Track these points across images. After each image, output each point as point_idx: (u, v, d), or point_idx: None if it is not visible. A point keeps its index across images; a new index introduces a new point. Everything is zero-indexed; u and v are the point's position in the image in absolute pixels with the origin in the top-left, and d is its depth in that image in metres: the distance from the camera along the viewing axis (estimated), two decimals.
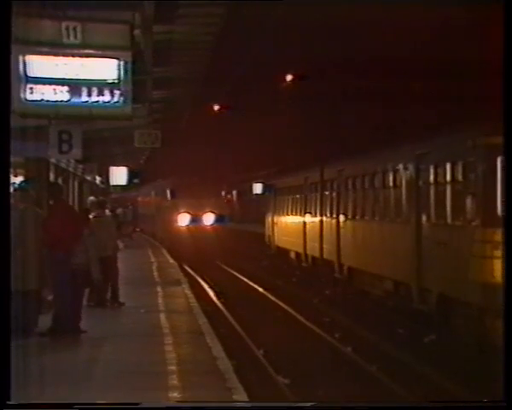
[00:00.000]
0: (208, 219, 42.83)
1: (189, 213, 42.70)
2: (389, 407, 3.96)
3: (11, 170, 21.66)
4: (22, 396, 3.74)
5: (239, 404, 4.36)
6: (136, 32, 13.82)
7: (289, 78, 22.05)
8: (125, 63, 12.50)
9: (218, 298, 25.64)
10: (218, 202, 44.10)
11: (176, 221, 42.85)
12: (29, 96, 12.07)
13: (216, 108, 28.87)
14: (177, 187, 43.90)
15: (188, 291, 21.73)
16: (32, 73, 12.03)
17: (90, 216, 17.60)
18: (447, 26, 15.54)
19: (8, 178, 3.93)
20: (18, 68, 11.90)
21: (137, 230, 55.37)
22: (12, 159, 18.99)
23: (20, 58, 11.90)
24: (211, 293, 27.20)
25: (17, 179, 21.51)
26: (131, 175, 32.63)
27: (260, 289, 28.40)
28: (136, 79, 13.02)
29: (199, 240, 41.27)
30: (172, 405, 4.12)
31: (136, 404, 3.85)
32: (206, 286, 29.24)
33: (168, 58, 20.18)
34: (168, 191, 44.47)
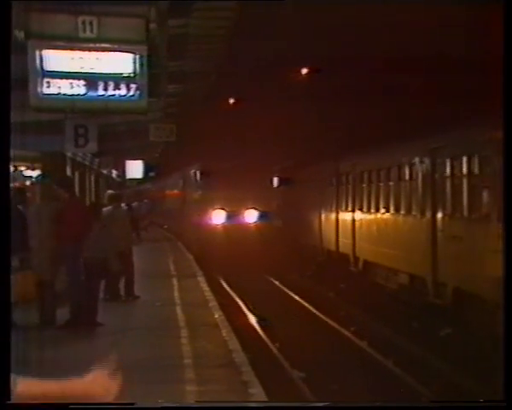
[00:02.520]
0: (250, 216, 35.42)
1: (224, 209, 35.20)
2: (389, 406, 3.89)
3: (28, 164, 21.89)
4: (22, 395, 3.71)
5: (239, 404, 4.31)
6: (152, 25, 13.86)
7: (304, 71, 22.03)
8: (141, 57, 12.55)
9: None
10: (261, 194, 35.56)
11: (208, 218, 35.17)
12: (46, 91, 12.13)
13: (231, 101, 28.86)
14: (208, 175, 35.82)
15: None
16: (48, 67, 12.08)
17: (105, 209, 17.68)
18: (457, 23, 15.54)
19: (8, 177, 3.90)
20: (35, 63, 11.97)
21: (165, 227, 50.09)
22: (29, 153, 19.19)
23: (37, 53, 11.96)
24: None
25: (34, 173, 21.69)
26: (147, 168, 32.75)
27: (276, 283, 28.39)
28: (151, 72, 13.07)
29: (238, 243, 33.36)
30: (169, 405, 4.09)
31: (132, 404, 3.83)
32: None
33: (183, 52, 20.20)
34: (197, 180, 36.72)
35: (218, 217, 35.02)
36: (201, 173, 36.19)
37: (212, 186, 35.08)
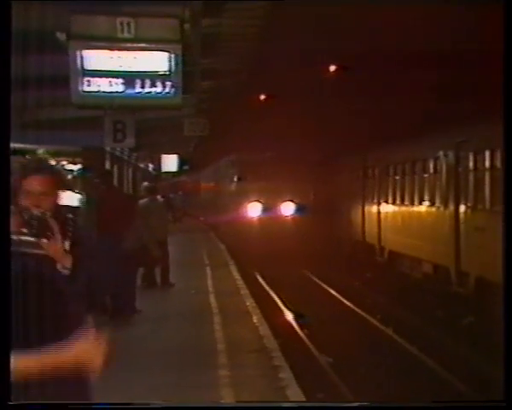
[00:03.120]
0: (286, 208, 33.59)
1: (259, 201, 33.30)
2: (389, 406, 3.84)
3: (70, 159, 22.11)
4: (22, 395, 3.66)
5: (239, 404, 4.28)
6: (186, 25, 13.91)
7: (332, 68, 21.97)
8: (176, 56, 12.62)
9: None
10: (298, 187, 33.46)
11: (243, 211, 33.37)
12: (86, 89, 12.23)
13: (262, 97, 28.86)
14: (244, 167, 34.10)
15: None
16: (88, 66, 12.19)
17: (141, 201, 17.81)
18: (480, 20, 15.45)
19: (9, 177, 3.78)
20: (76, 62, 12.07)
21: (201, 219, 48.49)
22: (70, 148, 19.36)
23: (78, 53, 12.07)
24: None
25: (75, 167, 21.88)
26: (181, 162, 32.85)
27: (310, 275, 28.38)
28: (185, 70, 13.14)
29: (275, 237, 31.30)
30: (165, 405, 4.06)
31: (128, 404, 3.79)
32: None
33: (215, 50, 20.24)
34: (232, 173, 34.97)
35: (253, 210, 33.47)
36: (236, 166, 34.88)
37: (248, 179, 33.68)
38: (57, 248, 4.32)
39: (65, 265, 4.36)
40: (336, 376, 13.44)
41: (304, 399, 9.08)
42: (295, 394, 9.20)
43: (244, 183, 33.72)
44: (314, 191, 34.85)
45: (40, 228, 4.27)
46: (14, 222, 4.27)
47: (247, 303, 16.32)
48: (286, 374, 10.11)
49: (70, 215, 4.45)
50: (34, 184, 4.42)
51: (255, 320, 14.20)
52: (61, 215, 4.42)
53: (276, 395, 9.15)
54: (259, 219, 33.23)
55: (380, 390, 12.32)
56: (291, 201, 33.30)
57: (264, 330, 13.27)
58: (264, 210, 32.97)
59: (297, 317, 18.75)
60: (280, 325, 16.78)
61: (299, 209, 33.30)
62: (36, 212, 4.32)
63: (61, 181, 4.55)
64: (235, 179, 34.73)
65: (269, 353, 11.38)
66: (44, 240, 4.27)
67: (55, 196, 4.48)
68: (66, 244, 4.38)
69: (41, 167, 4.54)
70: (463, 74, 19.00)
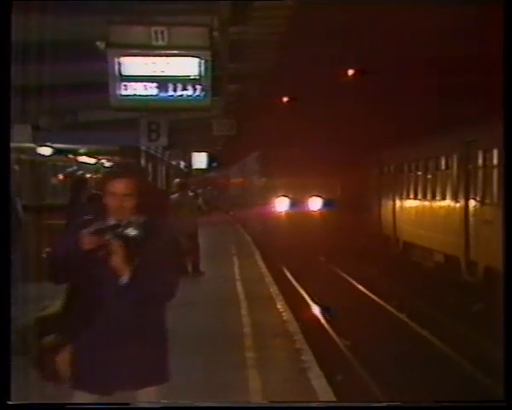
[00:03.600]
0: (314, 203, 31.88)
1: (287, 196, 31.81)
2: (389, 407, 3.71)
3: (109, 157, 22.21)
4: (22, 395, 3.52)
5: (238, 404, 4.24)
6: (215, 33, 13.93)
7: (351, 72, 21.91)
8: (205, 61, 12.66)
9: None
10: (325, 183, 31.78)
11: (271, 206, 31.73)
12: (123, 92, 12.31)
13: (284, 99, 28.83)
14: (272, 162, 32.34)
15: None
16: (125, 72, 12.26)
17: (174, 196, 17.82)
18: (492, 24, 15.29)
19: (9, 176, 3.72)
20: (114, 69, 12.14)
21: (230, 213, 46.91)
22: (109, 147, 19.47)
23: (116, 60, 12.14)
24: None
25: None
26: (211, 159, 32.86)
27: (333, 267, 28.31)
28: (214, 74, 13.16)
29: (302, 232, 29.75)
30: (165, 405, 4.01)
31: (127, 404, 3.73)
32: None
33: (242, 56, 20.25)
34: (259, 168, 33.52)
35: (281, 204, 31.94)
36: (264, 162, 33.45)
37: (275, 174, 32.07)
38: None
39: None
40: (354, 358, 13.41)
41: (324, 380, 9.05)
42: (316, 375, 9.18)
43: (272, 178, 32.26)
44: (341, 186, 33.74)
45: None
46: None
47: (271, 290, 16.33)
48: (308, 356, 10.09)
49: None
50: (119, 186, 4.52)
51: (279, 306, 14.20)
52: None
53: (298, 376, 9.15)
54: (286, 213, 31.86)
55: (395, 370, 12.30)
56: (318, 196, 31.89)
57: (287, 315, 13.26)
58: (292, 205, 31.61)
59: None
60: (301, 311, 16.75)
61: (326, 204, 31.74)
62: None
63: (143, 184, 4.71)
64: (263, 174, 33.45)
65: (291, 336, 11.38)
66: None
67: (137, 198, 4.58)
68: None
69: (126, 171, 4.67)
70: (473, 77, 18.88)
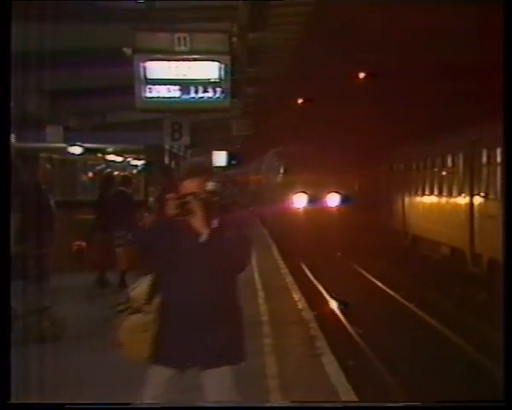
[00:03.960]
0: (332, 199, 30.26)
1: (305, 192, 30.24)
2: (389, 407, 3.61)
3: (135, 155, 22.29)
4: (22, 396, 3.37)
5: (238, 404, 4.25)
6: (234, 39, 13.96)
7: (362, 75, 21.85)
8: (225, 65, 12.69)
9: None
10: (343, 180, 30.45)
11: (289, 202, 30.25)
12: (148, 95, 12.38)
13: (300, 101, 28.78)
14: (290, 159, 31.11)
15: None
16: (150, 75, 12.33)
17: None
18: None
19: (9, 175, 3.66)
20: (139, 73, 12.21)
21: (250, 208, 48.22)
22: (135, 146, 19.56)
23: (141, 64, 12.21)
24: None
25: (139, 162, 22.06)
26: (230, 157, 32.85)
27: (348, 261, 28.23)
28: (233, 77, 13.19)
29: (320, 228, 28.27)
30: (166, 405, 3.98)
31: (128, 404, 3.64)
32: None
33: (259, 60, 20.26)
34: (279, 164, 31.88)
35: (299, 200, 30.34)
36: (282, 158, 32.11)
37: (293, 170, 30.76)
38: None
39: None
40: (365, 345, 13.40)
41: (336, 365, 9.05)
42: (329, 360, 9.19)
43: (290, 174, 30.86)
44: (358, 183, 32.75)
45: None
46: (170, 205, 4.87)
47: (287, 280, 16.33)
48: (321, 343, 10.10)
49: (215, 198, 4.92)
50: (193, 184, 4.93)
51: (294, 295, 14.21)
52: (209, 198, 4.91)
53: (312, 361, 9.16)
54: (304, 209, 30.24)
55: (404, 356, 12.30)
56: (336, 192, 30.25)
57: (302, 303, 13.26)
58: (310, 201, 30.08)
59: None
60: (315, 301, 16.73)
61: (344, 200, 30.08)
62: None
63: (210, 176, 5.05)
64: (281, 171, 31.99)
65: (306, 324, 11.38)
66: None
67: (205, 187, 4.97)
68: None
69: (200, 170, 5.00)
70: (479, 79, 18.78)
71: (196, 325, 4.79)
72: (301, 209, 30.30)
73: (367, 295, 18.55)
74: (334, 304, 17.42)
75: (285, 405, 4.67)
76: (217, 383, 4.84)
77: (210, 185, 4.85)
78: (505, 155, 3.94)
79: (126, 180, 15.09)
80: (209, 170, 5.05)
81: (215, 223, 4.78)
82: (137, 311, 4.82)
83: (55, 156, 20.33)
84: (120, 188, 14.27)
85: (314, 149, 30.28)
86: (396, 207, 28.71)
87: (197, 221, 4.78)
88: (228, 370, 4.91)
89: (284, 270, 18.23)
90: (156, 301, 4.84)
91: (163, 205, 13.66)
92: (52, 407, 3.15)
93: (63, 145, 18.12)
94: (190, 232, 4.80)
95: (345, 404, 3.91)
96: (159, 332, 4.80)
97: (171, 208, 4.87)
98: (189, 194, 4.81)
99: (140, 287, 4.92)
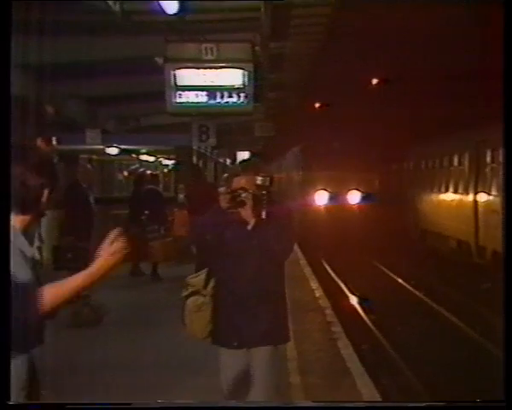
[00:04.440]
0: (353, 197, 28.23)
1: (326, 190, 28.41)
2: (389, 407, 3.50)
3: (166, 156, 22.44)
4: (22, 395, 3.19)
5: (238, 404, 4.18)
6: (257, 48, 13.98)
7: (375, 81, 21.83)
8: (249, 72, 12.74)
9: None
10: (364, 177, 28.22)
11: (310, 199, 28.32)
12: (178, 100, 12.47)
13: (316, 105, 28.74)
14: (311, 157, 29.18)
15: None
16: (180, 82, 12.41)
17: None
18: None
19: (9, 175, 3.44)
20: (170, 80, 12.30)
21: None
22: (166, 147, 19.68)
23: (172, 72, 12.30)
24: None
25: (170, 162, 22.18)
26: (252, 157, 32.78)
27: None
28: (256, 84, 13.22)
29: (341, 225, 26.56)
30: (166, 405, 3.90)
31: (128, 404, 3.56)
32: None
33: (281, 67, 20.27)
34: (300, 162, 30.33)
35: (320, 198, 28.34)
36: (303, 156, 30.09)
37: (314, 168, 28.81)
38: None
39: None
40: (378, 330, 13.37)
41: (351, 348, 9.05)
42: (345, 345, 9.19)
43: (311, 172, 28.83)
44: (379, 180, 30.57)
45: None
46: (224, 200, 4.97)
47: (305, 270, 16.31)
48: (337, 328, 10.09)
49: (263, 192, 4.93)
50: (244, 180, 4.98)
51: (311, 284, 14.19)
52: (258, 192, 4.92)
53: (329, 345, 9.16)
54: (325, 206, 28.56)
55: (414, 340, 12.27)
56: (357, 189, 28.25)
57: (319, 291, 13.25)
58: (331, 198, 28.18)
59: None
60: (331, 290, 16.69)
61: (365, 198, 28.00)
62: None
63: (259, 174, 5.04)
64: (302, 169, 30.26)
65: (323, 311, 11.37)
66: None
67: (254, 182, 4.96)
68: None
69: (251, 168, 5.06)
70: (485, 84, 18.64)
71: (247, 307, 4.87)
72: (322, 207, 28.75)
73: (381, 286, 18.47)
74: (349, 294, 17.34)
75: (286, 405, 4.63)
76: (262, 362, 4.89)
77: (259, 181, 4.93)
78: (505, 154, 3.92)
79: (155, 179, 15.18)
80: (258, 168, 5.08)
81: (263, 214, 4.87)
82: (196, 293, 4.94)
83: (94, 157, 20.49)
84: (150, 186, 14.35)
85: (335, 148, 28.73)
86: (412, 204, 28.53)
87: (247, 213, 4.87)
88: (273, 350, 4.98)
89: (303, 261, 18.20)
90: (211, 285, 4.95)
91: (191, 201, 13.71)
92: (52, 407, 3.00)
93: (101, 147, 18.26)
94: (241, 223, 4.91)
95: (344, 404, 3.81)
96: (215, 314, 4.91)
97: (225, 201, 4.96)
98: (241, 188, 4.91)
99: (200, 275, 5.01)
